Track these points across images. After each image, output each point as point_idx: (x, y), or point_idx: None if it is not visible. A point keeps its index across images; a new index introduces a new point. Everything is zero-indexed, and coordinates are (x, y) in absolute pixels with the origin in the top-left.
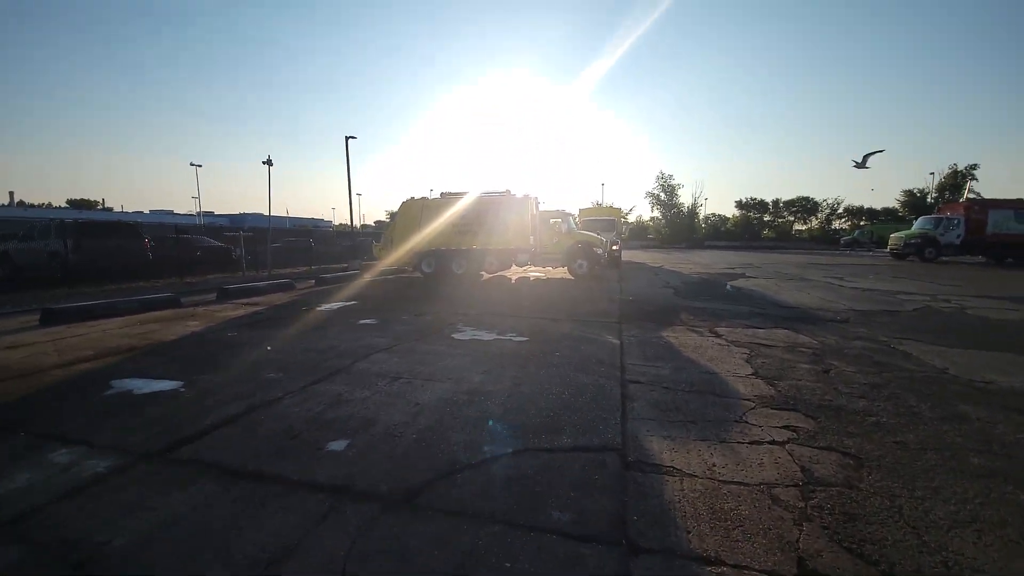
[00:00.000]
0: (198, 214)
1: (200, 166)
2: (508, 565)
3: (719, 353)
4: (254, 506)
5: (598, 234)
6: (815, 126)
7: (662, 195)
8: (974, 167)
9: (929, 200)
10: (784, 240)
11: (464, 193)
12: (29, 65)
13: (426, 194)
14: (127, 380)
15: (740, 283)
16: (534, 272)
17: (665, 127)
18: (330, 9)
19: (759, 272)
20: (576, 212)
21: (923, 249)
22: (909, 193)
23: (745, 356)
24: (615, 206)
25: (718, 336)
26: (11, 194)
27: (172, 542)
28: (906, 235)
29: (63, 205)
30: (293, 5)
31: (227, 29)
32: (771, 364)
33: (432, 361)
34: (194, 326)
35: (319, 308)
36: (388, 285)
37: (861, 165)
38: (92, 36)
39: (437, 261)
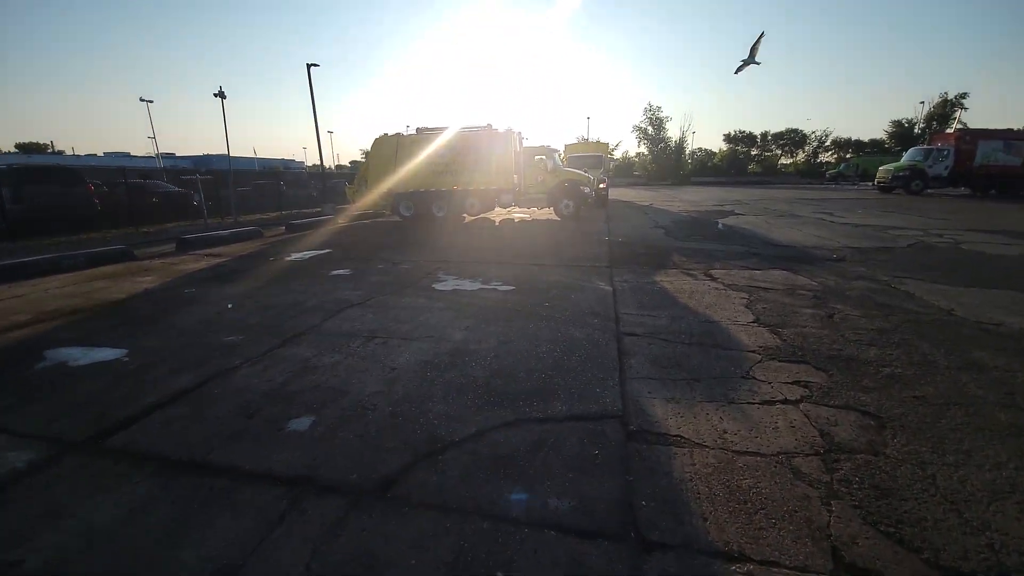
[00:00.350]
0: (156, 156)
1: (151, 102)
2: (500, 575)
3: (717, 299)
4: (198, 508)
5: (585, 171)
6: (806, 54)
7: (650, 129)
8: (963, 96)
9: (917, 131)
10: (770, 175)
11: (442, 129)
12: None
13: (402, 131)
14: (63, 349)
15: (731, 221)
16: (518, 213)
17: (651, 57)
18: None
19: (748, 209)
20: (562, 148)
21: (910, 182)
22: (897, 124)
23: (744, 301)
24: (602, 141)
25: (713, 280)
26: None
27: (96, 560)
28: (895, 167)
29: (11, 150)
30: None
31: None
32: (772, 310)
33: (410, 317)
34: (147, 282)
35: (288, 258)
36: (364, 231)
37: (749, 62)
38: None
39: (416, 203)
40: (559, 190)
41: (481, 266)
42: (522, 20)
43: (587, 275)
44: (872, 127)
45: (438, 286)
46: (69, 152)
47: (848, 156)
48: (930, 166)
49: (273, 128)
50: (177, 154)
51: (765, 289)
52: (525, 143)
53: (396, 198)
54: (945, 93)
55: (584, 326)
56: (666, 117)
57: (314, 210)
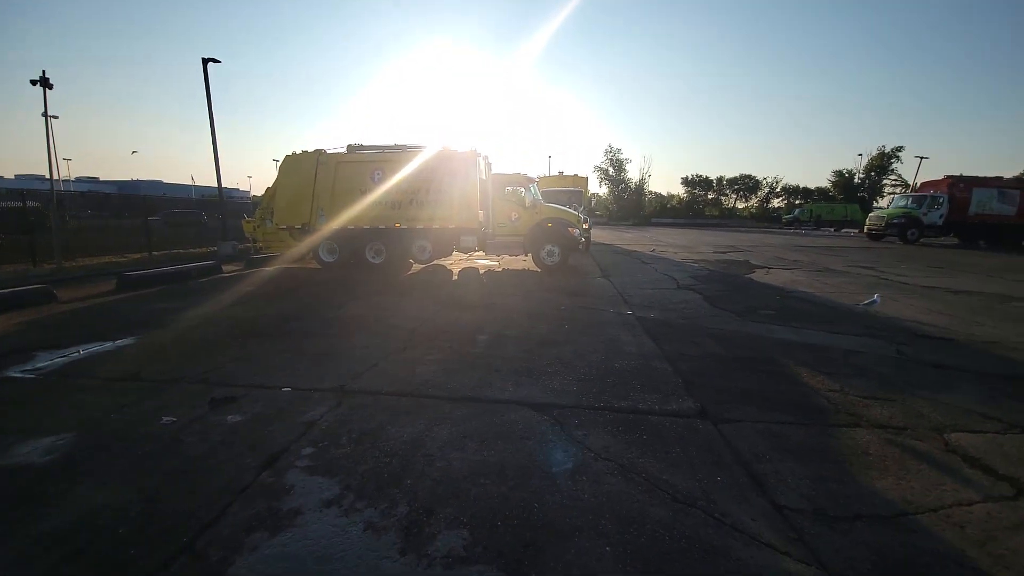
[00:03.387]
0: (63, 179)
1: (56, 117)
2: None
3: None
4: None
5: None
6: (753, 104)
7: (611, 170)
8: (899, 149)
9: (856, 180)
10: (727, 218)
11: (383, 147)
12: None
13: (324, 147)
14: None
15: (767, 278)
16: (483, 260)
17: (612, 102)
18: None
19: (762, 259)
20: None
21: (905, 230)
22: (839, 173)
23: None
24: (579, 175)
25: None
26: None
27: None
28: (887, 214)
29: None
30: None
31: None
32: None
33: None
34: None
35: (14, 371)
36: (242, 290)
37: None
38: None
39: (343, 245)
40: (540, 232)
41: (411, 416)
42: (489, 62)
43: (683, 463)
44: (814, 175)
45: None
46: None
47: (798, 202)
48: (924, 214)
49: (229, 153)
50: (101, 178)
51: None
52: (494, 170)
53: (315, 237)
54: (883, 146)
55: None
56: (626, 159)
57: (204, 250)
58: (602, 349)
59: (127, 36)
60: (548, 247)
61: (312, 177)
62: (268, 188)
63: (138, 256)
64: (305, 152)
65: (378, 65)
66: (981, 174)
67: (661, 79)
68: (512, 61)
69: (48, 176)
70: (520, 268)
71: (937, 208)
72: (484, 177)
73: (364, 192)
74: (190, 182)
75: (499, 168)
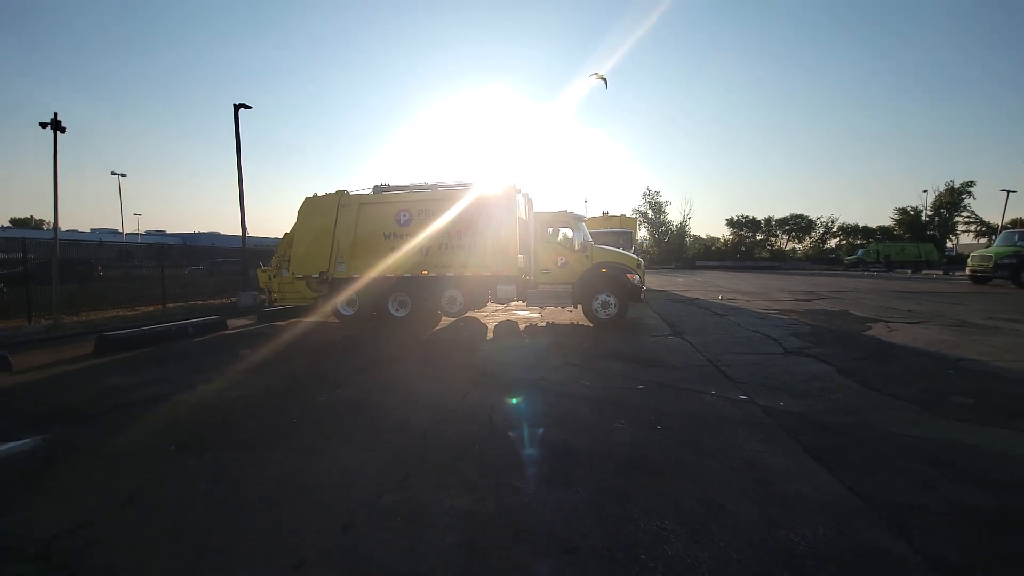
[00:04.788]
0: (128, 233)
1: (124, 175)
2: None
3: None
4: None
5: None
6: (801, 142)
7: (650, 212)
8: (970, 184)
9: (924, 218)
10: (779, 260)
11: (410, 187)
12: None
13: (346, 188)
14: None
15: (896, 337)
16: (522, 312)
17: (650, 144)
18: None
19: (871, 310)
20: None
21: (1019, 272)
22: (903, 211)
23: None
24: (627, 216)
25: None
26: None
27: None
28: (994, 254)
29: (6, 224)
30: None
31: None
32: None
33: None
34: None
35: None
36: (228, 355)
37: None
38: None
39: (363, 297)
40: (593, 279)
41: None
42: (526, 106)
43: None
44: (871, 214)
45: None
46: (50, 227)
47: (859, 242)
48: None
49: (273, 203)
50: (168, 231)
51: None
52: (536, 209)
53: (334, 288)
54: (951, 181)
55: None
56: (665, 201)
57: (226, 301)
58: (742, 487)
59: (170, 91)
60: (603, 297)
61: (332, 221)
62: (286, 234)
63: (150, 309)
64: (327, 194)
65: (409, 112)
66: None
67: (700, 119)
68: (552, 104)
69: (121, 230)
70: (567, 322)
71: None
72: (524, 217)
73: (388, 236)
74: (236, 232)
75: (540, 208)
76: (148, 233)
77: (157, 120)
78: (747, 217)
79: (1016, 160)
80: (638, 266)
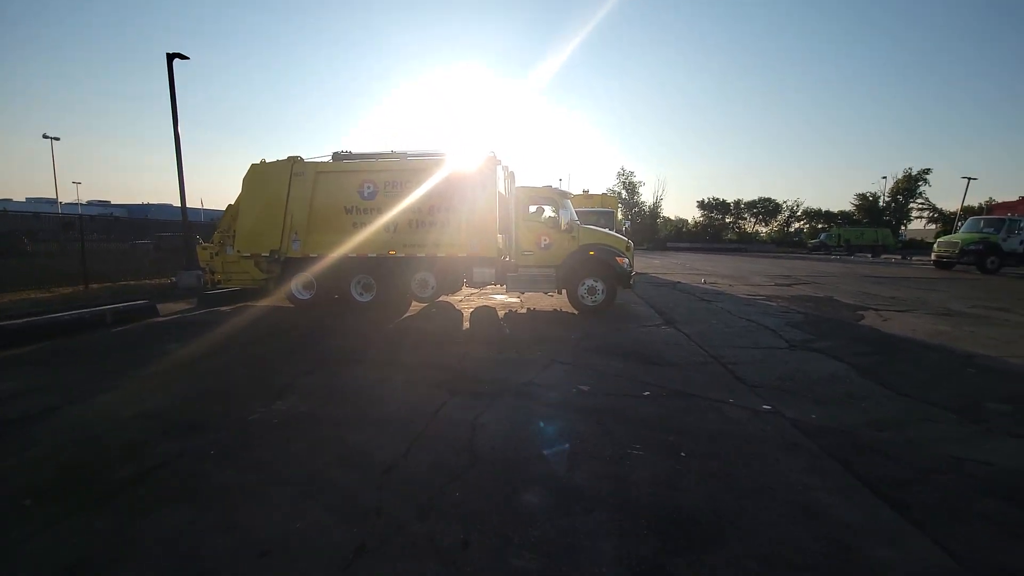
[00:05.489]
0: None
1: (57, 139)
2: None
3: None
4: None
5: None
6: (769, 126)
7: (623, 193)
8: (927, 171)
9: (881, 204)
10: (746, 242)
11: (376, 155)
12: None
13: (301, 155)
14: None
15: (894, 327)
16: (500, 296)
17: (623, 124)
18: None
19: (854, 296)
20: None
21: (985, 258)
22: (862, 197)
23: None
24: (607, 194)
25: None
26: None
27: None
28: (962, 240)
29: None
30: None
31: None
32: None
33: None
34: None
35: None
36: (153, 351)
37: None
38: None
39: (322, 280)
40: (580, 263)
41: None
42: (496, 85)
43: None
44: (832, 199)
45: None
46: None
47: (821, 226)
48: (1004, 239)
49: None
50: (113, 201)
51: None
52: (518, 184)
53: (287, 269)
54: (909, 168)
55: None
56: (639, 182)
57: (164, 281)
58: (813, 555)
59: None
60: (589, 282)
61: (285, 192)
62: (230, 206)
63: (70, 291)
64: (278, 161)
65: (389, 84)
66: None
67: (671, 100)
68: (523, 83)
69: (57, 198)
70: (549, 308)
71: (1018, 233)
72: (505, 193)
73: (350, 211)
74: (199, 206)
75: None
76: (90, 203)
77: (94, 81)
78: (718, 199)
79: (978, 147)
80: (627, 249)
